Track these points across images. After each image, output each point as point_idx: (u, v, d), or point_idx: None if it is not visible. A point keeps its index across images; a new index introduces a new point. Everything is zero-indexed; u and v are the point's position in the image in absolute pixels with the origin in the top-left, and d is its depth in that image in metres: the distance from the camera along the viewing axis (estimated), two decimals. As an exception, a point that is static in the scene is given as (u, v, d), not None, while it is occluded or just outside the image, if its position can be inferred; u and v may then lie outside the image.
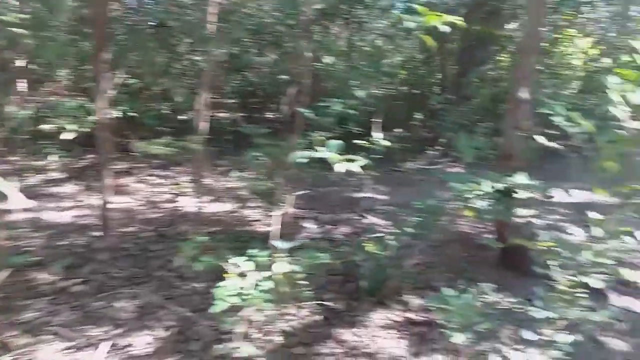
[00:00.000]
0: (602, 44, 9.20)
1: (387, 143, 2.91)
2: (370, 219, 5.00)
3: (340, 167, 2.01)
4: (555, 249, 2.13)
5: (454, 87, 8.48)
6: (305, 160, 2.16)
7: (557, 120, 2.23)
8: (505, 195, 2.96)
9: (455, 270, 3.90)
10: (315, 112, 2.67)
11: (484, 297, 3.61)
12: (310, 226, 4.68)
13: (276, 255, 2.28)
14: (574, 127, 2.18)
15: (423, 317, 3.23)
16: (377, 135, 2.91)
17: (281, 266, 2.17)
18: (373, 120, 3.12)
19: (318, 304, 3.24)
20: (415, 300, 3.44)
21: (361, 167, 2.06)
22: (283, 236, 4.55)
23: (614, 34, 10.04)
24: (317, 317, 3.21)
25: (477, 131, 6.30)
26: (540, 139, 2.35)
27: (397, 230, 3.08)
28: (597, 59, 9.08)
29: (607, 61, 8.73)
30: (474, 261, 4.08)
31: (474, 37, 8.38)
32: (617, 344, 3.15)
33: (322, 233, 4.58)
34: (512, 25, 8.71)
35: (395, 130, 8.50)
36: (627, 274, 1.90)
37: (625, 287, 3.79)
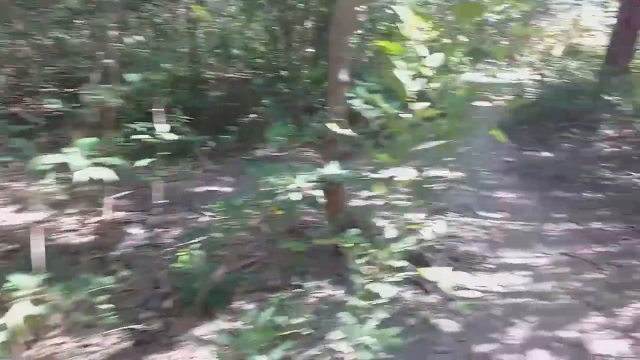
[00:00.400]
0: (441, 27, 9.65)
1: (174, 136, 2.50)
2: (209, 217, 4.56)
3: (81, 176, 1.55)
4: (360, 245, 1.92)
5: (310, 70, 8.30)
6: (46, 167, 1.67)
7: (356, 103, 2.00)
8: (329, 184, 2.75)
9: (292, 265, 3.65)
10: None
11: (319, 292, 3.44)
12: (136, 231, 4.12)
13: (24, 291, 1.77)
14: (372, 111, 1.97)
15: (250, 325, 2.92)
16: (161, 128, 2.47)
17: (21, 309, 1.66)
18: (153, 110, 2.68)
19: (128, 328, 2.77)
20: (245, 306, 3.12)
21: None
22: (103, 247, 3.98)
23: (452, 17, 10.65)
24: (127, 344, 2.74)
25: (325, 115, 6.15)
26: (332, 127, 2.14)
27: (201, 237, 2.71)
28: (438, 40, 9.49)
29: (446, 42, 9.21)
30: (313, 254, 3.87)
31: (322, 19, 8.24)
32: (449, 325, 3.12)
33: (150, 238, 4.05)
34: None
35: (249, 116, 8.14)
36: (425, 273, 1.74)
37: (456, 262, 3.85)
